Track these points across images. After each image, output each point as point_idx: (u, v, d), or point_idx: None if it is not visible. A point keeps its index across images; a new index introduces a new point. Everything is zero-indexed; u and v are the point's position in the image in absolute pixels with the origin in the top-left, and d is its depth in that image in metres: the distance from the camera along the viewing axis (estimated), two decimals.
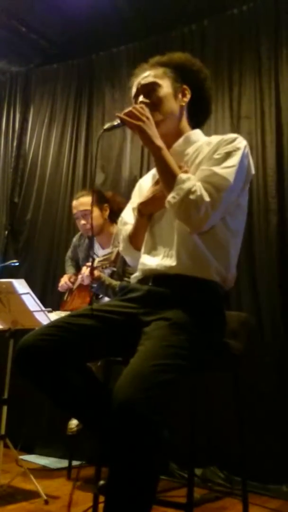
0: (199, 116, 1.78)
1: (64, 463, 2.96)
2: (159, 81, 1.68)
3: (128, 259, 1.87)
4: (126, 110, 1.58)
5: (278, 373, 2.73)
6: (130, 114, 1.57)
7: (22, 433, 2.86)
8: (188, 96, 1.71)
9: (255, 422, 2.60)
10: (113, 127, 1.61)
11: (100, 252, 2.93)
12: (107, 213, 2.89)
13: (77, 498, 2.46)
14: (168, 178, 1.56)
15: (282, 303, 2.78)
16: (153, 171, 1.84)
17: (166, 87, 1.68)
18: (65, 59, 3.96)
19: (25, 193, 3.99)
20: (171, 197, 1.52)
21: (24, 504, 2.36)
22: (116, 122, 1.59)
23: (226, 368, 1.87)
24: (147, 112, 1.59)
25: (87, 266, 2.64)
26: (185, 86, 1.71)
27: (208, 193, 1.50)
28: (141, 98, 1.68)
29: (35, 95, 4.09)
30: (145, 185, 1.82)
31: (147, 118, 1.57)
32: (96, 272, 2.55)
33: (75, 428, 2.63)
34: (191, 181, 1.52)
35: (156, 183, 1.70)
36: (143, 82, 1.70)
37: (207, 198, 1.49)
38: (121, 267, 2.74)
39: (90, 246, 2.98)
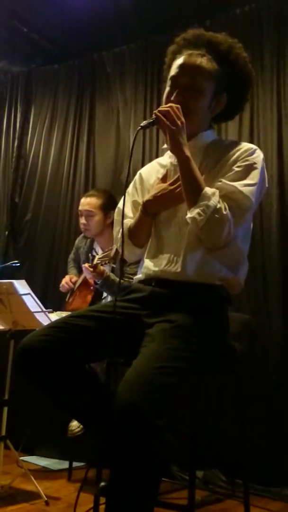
0: (227, 117, 1.78)
1: (64, 464, 2.96)
2: (204, 86, 1.60)
3: (125, 254, 1.82)
4: (164, 108, 1.52)
5: (280, 375, 2.71)
6: (166, 114, 1.51)
7: (22, 434, 2.86)
8: (223, 105, 1.67)
9: (257, 424, 2.58)
10: (150, 125, 1.54)
11: (100, 253, 2.93)
12: (110, 220, 2.87)
13: (78, 499, 2.46)
14: (192, 191, 1.52)
15: (284, 304, 2.77)
16: (155, 162, 1.81)
17: (206, 95, 1.61)
18: (67, 59, 3.95)
19: (25, 194, 3.98)
20: (196, 214, 1.49)
21: (24, 505, 2.35)
22: (152, 119, 1.53)
23: (229, 370, 1.86)
24: (182, 116, 1.53)
25: (88, 264, 2.62)
26: (223, 97, 1.65)
27: (232, 213, 1.50)
28: (167, 89, 1.63)
29: (36, 95, 4.08)
30: (147, 178, 1.78)
31: (182, 123, 1.52)
32: (100, 268, 2.54)
33: (76, 429, 2.62)
34: (216, 197, 1.49)
35: (163, 179, 1.67)
36: (189, 78, 1.60)
37: (231, 217, 1.49)
38: (119, 269, 2.73)
39: (89, 252, 2.97)
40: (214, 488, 2.67)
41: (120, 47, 3.68)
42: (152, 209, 1.66)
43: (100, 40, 3.66)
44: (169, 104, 1.54)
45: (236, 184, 1.52)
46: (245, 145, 1.61)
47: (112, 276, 2.60)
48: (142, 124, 1.55)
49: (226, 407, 2.65)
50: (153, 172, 1.77)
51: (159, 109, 1.53)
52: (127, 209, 1.76)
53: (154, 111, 1.53)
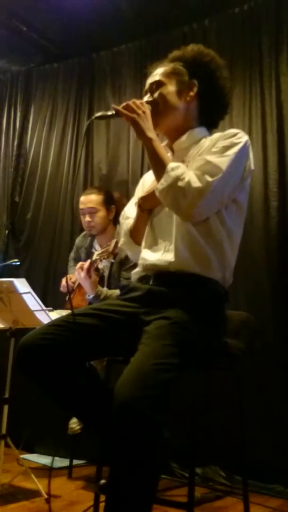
0: (212, 109, 1.77)
1: (65, 462, 2.96)
2: (164, 79, 1.71)
3: (129, 254, 1.88)
4: (124, 103, 1.61)
5: (279, 373, 2.72)
6: (126, 107, 1.60)
7: (23, 432, 2.86)
8: (195, 90, 1.71)
9: (256, 421, 2.60)
10: (106, 117, 1.64)
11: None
12: (113, 214, 2.88)
13: (78, 497, 2.47)
14: (158, 168, 1.57)
15: (283, 302, 2.78)
16: None
17: (170, 84, 1.70)
18: (66, 58, 3.95)
19: (25, 192, 3.99)
20: (159, 184, 1.54)
21: (25, 503, 2.36)
22: (110, 112, 1.62)
23: (227, 368, 1.87)
24: (145, 107, 1.61)
25: (81, 265, 2.62)
26: (192, 81, 1.71)
27: (198, 179, 1.50)
28: (145, 98, 1.72)
29: (36, 94, 4.09)
30: (148, 181, 1.83)
31: (143, 112, 1.60)
32: (94, 278, 2.54)
33: (76, 427, 2.63)
34: (180, 169, 1.53)
35: None
36: (149, 80, 1.75)
37: (195, 185, 1.49)
38: (117, 271, 2.73)
39: (90, 250, 2.97)
40: (213, 485, 2.68)
41: (119, 46, 3.68)
42: (146, 204, 1.72)
43: (99, 40, 3.66)
44: (131, 100, 1.63)
45: (207, 157, 1.55)
46: (229, 130, 1.65)
47: (105, 291, 2.60)
48: (97, 115, 1.65)
49: (226, 404, 2.65)
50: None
51: (121, 105, 1.62)
52: (131, 211, 1.82)
53: (113, 105, 1.63)
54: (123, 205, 2.90)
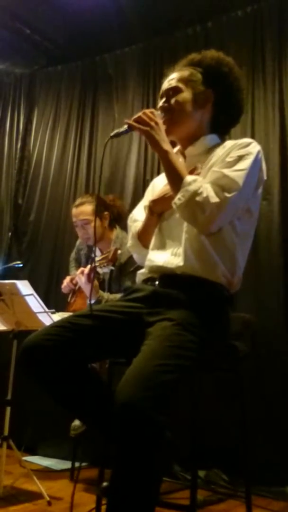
0: (225, 119, 1.78)
1: (67, 464, 2.97)
2: (181, 85, 1.70)
3: (135, 257, 1.88)
4: (136, 116, 1.60)
5: (281, 375, 2.72)
6: (139, 120, 1.59)
7: (25, 434, 2.87)
8: (211, 100, 1.71)
9: (259, 424, 2.59)
10: (120, 134, 1.62)
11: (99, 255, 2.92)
12: (107, 221, 2.85)
13: (80, 499, 2.47)
14: (175, 181, 1.57)
15: (285, 304, 2.77)
16: None
17: (186, 92, 1.69)
18: (69, 61, 3.97)
19: (28, 195, 4.00)
20: (177, 199, 1.54)
21: (27, 505, 2.36)
22: (124, 128, 1.60)
23: (230, 370, 1.87)
24: (157, 117, 1.60)
25: (82, 270, 2.61)
26: (208, 91, 1.70)
27: (216, 194, 1.50)
28: (161, 103, 1.72)
29: (39, 97, 4.11)
30: (158, 185, 1.84)
31: (156, 123, 1.59)
32: (95, 283, 2.54)
33: (78, 429, 2.63)
34: (197, 182, 1.53)
35: None
36: (166, 86, 1.73)
37: (213, 200, 1.49)
38: (117, 277, 2.73)
39: (90, 255, 2.96)
40: (216, 488, 2.67)
41: (122, 49, 3.70)
42: (157, 208, 1.72)
43: (102, 42, 3.68)
44: (142, 111, 1.61)
45: (223, 170, 1.55)
46: (242, 140, 1.65)
47: (106, 296, 2.59)
48: (112, 134, 1.63)
49: (228, 406, 2.65)
50: (164, 179, 1.81)
51: (132, 118, 1.60)
52: (139, 214, 1.83)
53: (125, 120, 1.61)
54: (117, 207, 2.92)
